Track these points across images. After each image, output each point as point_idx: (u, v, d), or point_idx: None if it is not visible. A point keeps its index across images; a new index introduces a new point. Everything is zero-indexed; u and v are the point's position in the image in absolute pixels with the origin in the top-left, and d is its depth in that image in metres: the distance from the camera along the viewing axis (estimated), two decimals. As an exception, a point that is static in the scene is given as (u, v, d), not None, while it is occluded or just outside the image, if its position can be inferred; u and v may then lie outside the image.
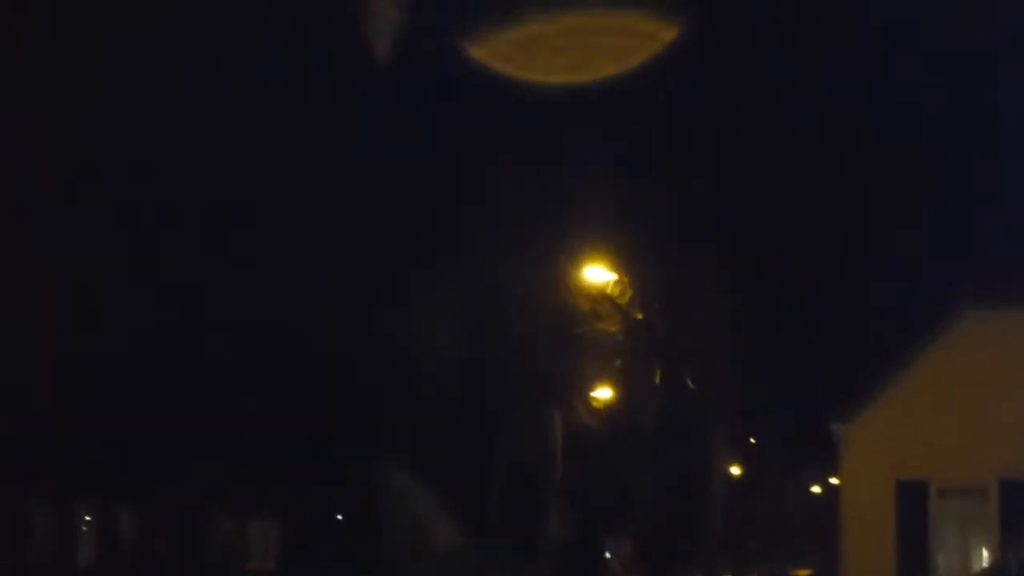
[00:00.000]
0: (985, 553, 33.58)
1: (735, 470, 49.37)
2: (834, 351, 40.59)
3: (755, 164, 34.75)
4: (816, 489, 66.54)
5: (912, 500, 32.05)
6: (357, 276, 36.75)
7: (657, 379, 36.48)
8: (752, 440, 48.40)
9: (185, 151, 30.66)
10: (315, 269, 35.75)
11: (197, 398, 37.24)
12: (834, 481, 39.90)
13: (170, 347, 35.58)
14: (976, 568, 32.82)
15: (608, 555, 62.45)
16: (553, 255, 35.35)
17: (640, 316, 35.67)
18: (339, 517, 51.51)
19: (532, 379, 38.78)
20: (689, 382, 36.60)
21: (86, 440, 35.50)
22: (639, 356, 36.48)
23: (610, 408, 39.93)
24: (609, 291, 34.92)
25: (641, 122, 33.65)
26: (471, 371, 40.17)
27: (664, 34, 20.32)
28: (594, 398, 40.61)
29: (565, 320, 36.32)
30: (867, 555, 32.09)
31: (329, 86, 30.99)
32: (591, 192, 33.06)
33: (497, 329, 38.96)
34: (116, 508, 43.77)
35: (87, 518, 44.31)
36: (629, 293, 35.12)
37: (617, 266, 34.72)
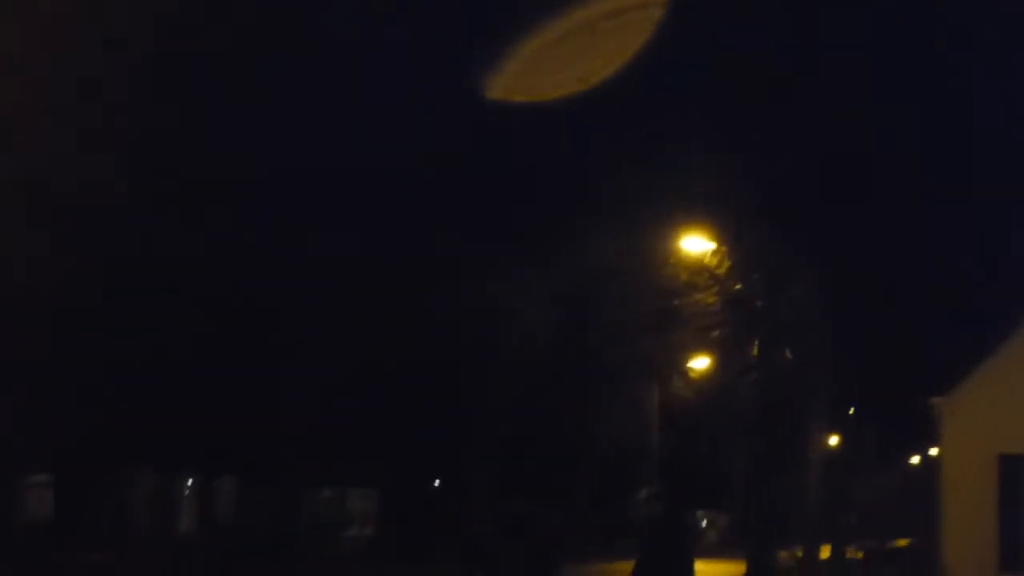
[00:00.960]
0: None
1: (832, 442, 49.07)
2: (933, 323, 40.26)
3: (859, 140, 34.51)
4: (914, 461, 66.08)
5: (1013, 473, 31.79)
6: (455, 257, 37.15)
7: (755, 351, 36.25)
8: (850, 412, 48.04)
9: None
10: (419, 253, 36.24)
11: (296, 377, 37.92)
12: (933, 453, 39.60)
13: (270, 330, 36.24)
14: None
15: (704, 528, 62.50)
16: (651, 227, 35.33)
17: (738, 287, 35.49)
18: (435, 485, 52.10)
19: (629, 351, 38.83)
20: (787, 354, 36.34)
21: (188, 415, 36.28)
22: (736, 328, 36.29)
23: (707, 380, 39.85)
24: (707, 262, 34.81)
25: (739, 97, 33.61)
26: (569, 344, 40.34)
27: None
28: (691, 369, 40.56)
29: (662, 291, 36.28)
30: (967, 528, 31.87)
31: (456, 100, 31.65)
32: (690, 166, 33.00)
33: (595, 301, 39.07)
34: (216, 478, 44.61)
35: (187, 489, 45.22)
36: (727, 264, 34.96)
37: (715, 237, 34.61)
